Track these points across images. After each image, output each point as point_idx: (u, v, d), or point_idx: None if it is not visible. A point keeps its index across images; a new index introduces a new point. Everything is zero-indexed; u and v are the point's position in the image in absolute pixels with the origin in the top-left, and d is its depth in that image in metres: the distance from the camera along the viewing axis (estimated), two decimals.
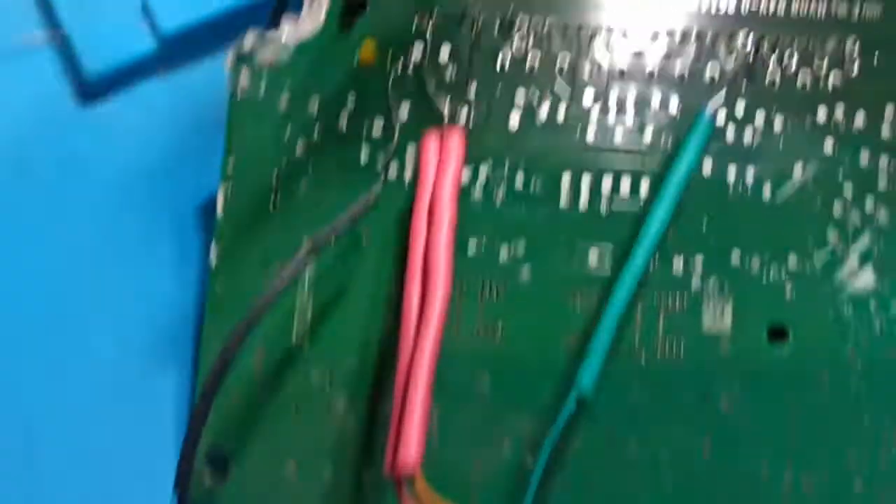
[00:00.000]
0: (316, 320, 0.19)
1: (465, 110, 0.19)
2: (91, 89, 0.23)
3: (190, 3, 0.23)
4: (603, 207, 0.19)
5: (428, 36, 0.20)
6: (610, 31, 0.20)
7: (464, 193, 0.19)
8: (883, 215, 0.19)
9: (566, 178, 0.19)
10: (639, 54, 0.20)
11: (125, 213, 0.23)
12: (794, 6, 0.20)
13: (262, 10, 0.23)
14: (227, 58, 0.20)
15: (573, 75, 0.20)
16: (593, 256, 0.19)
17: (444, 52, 0.20)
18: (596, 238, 0.19)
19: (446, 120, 0.19)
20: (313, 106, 0.20)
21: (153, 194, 0.23)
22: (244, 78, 0.20)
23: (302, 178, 0.20)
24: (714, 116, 0.18)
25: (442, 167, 0.18)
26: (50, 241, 0.22)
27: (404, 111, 0.20)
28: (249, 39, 0.20)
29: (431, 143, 0.18)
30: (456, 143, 0.18)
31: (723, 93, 0.19)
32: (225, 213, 0.20)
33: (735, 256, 0.19)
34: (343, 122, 0.20)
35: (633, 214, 0.19)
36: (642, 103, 0.19)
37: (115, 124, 0.23)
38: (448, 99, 0.19)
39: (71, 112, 0.23)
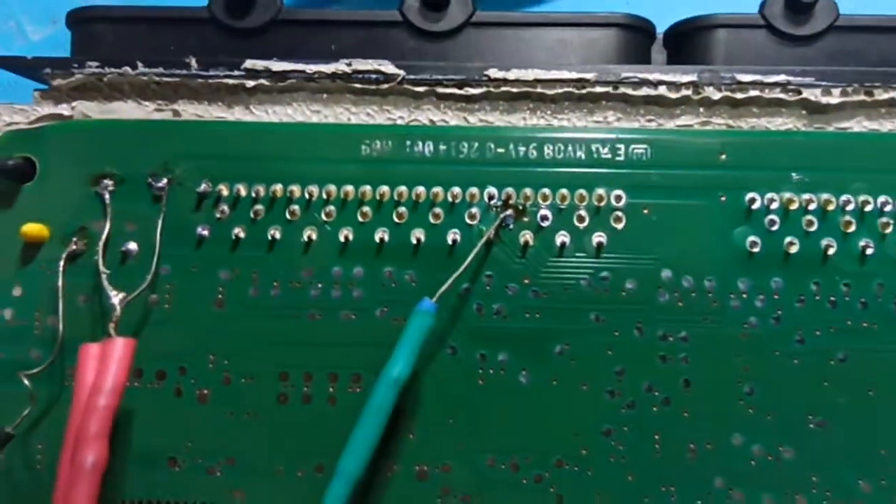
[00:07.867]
0: None
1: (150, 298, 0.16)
2: None
3: None
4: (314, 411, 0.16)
5: (108, 210, 0.16)
6: (329, 194, 0.16)
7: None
8: None
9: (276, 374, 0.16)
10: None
11: None
12: (547, 150, 0.16)
13: None
14: None
15: (290, 249, 0.16)
16: None
17: (129, 227, 0.16)
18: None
19: (116, 319, 0.15)
20: None
21: None
22: None
23: None
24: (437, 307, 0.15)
25: (97, 387, 0.14)
26: None
27: (80, 302, 0.16)
28: None
29: (90, 356, 0.14)
30: (120, 356, 0.14)
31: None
32: None
33: None
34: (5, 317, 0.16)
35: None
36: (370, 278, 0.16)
37: None
38: (123, 296, 0.16)
39: None
